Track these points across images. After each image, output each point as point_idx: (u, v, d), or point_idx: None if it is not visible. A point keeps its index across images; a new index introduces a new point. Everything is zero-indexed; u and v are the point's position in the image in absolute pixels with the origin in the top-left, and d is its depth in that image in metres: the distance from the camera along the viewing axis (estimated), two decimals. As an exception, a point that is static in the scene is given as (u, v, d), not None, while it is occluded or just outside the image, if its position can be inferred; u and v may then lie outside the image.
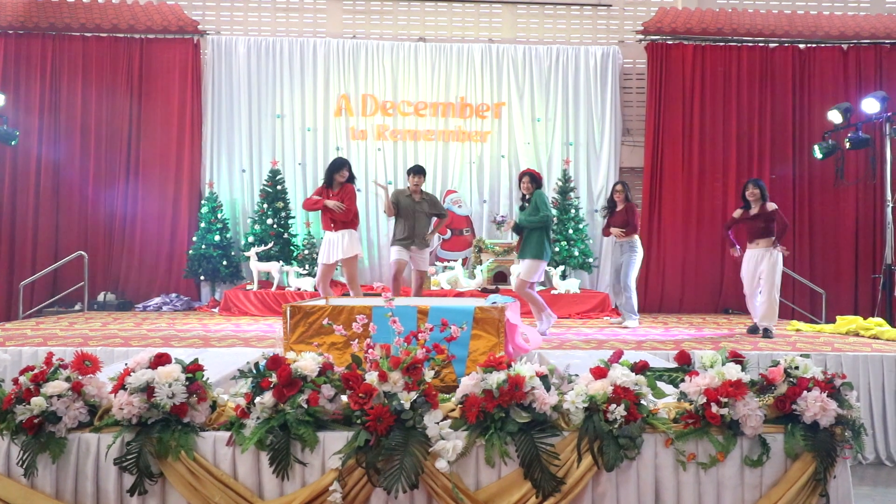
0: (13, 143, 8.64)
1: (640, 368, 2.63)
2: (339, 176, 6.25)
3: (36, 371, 2.52)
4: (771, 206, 6.31)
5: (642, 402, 2.52)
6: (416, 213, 6.73)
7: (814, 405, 2.48)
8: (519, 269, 6.43)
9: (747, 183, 6.51)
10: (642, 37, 9.70)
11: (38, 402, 2.42)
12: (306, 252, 9.15)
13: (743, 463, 2.49)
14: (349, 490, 2.38)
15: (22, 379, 2.50)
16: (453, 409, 2.55)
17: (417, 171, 6.80)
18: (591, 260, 9.41)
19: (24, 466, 2.41)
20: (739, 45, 9.71)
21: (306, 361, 2.54)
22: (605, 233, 7.48)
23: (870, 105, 8.27)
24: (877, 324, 6.34)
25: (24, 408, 2.42)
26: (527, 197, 6.32)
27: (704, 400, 2.49)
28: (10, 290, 8.95)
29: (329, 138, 9.70)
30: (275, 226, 9.08)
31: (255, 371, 2.56)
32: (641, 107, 9.98)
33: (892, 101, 8.64)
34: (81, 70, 9.32)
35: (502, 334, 4.07)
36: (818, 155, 8.90)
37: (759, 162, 9.65)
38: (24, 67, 9.27)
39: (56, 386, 2.46)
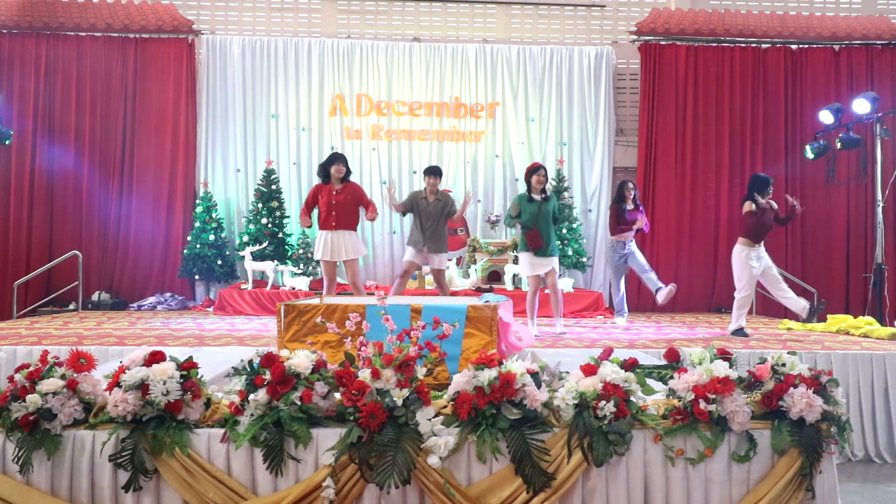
0: (7, 142, 8.61)
1: (629, 366, 2.67)
2: (335, 171, 6.10)
3: (31, 369, 2.54)
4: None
5: (631, 398, 2.56)
6: (430, 214, 6.57)
7: (800, 401, 2.52)
8: (552, 265, 6.35)
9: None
10: (636, 37, 9.74)
11: (33, 400, 2.44)
12: (301, 251, 9.16)
13: (730, 458, 2.53)
14: (342, 486, 2.41)
15: (17, 377, 2.52)
16: (445, 406, 2.58)
17: (432, 172, 6.63)
18: (584, 259, 9.44)
19: (19, 463, 2.43)
20: (732, 45, 9.77)
21: (300, 359, 2.57)
22: (627, 228, 7.25)
23: (861, 106, 8.32)
24: (867, 322, 6.40)
25: (20, 405, 2.44)
26: (547, 194, 6.32)
27: (693, 396, 2.53)
28: (4, 289, 8.93)
29: (324, 138, 9.72)
30: (269, 225, 9.09)
31: (249, 368, 2.58)
32: (635, 107, 10.02)
33: (883, 101, 8.71)
34: (76, 69, 9.31)
35: (495, 332, 4.11)
36: (810, 155, 8.96)
37: (752, 161, 9.71)
38: (18, 67, 9.26)
39: (51, 383, 2.48)
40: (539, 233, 6.20)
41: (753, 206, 6.14)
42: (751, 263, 6.09)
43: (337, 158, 6.19)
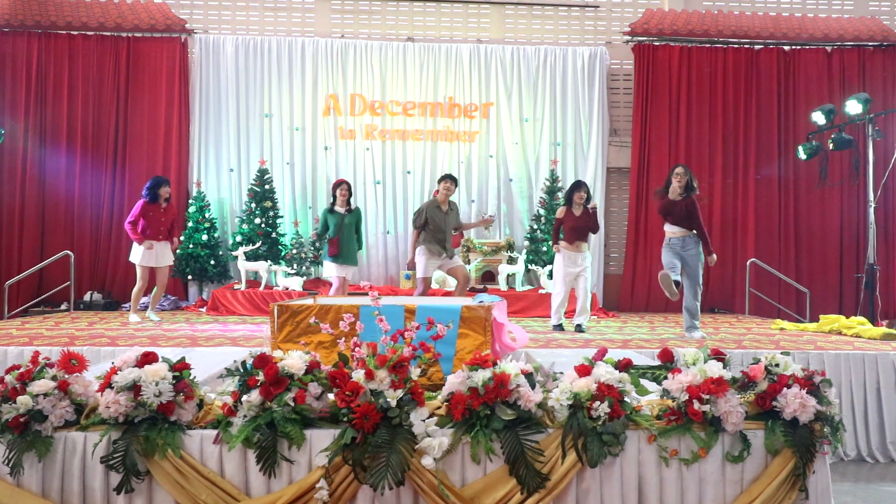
0: (-2, 141, 8.59)
1: (623, 366, 2.67)
2: (163, 192, 7.03)
3: (22, 370, 2.52)
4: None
5: (626, 399, 2.55)
6: (446, 224, 6.66)
7: (793, 402, 2.52)
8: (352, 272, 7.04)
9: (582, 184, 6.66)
10: (629, 38, 9.76)
11: (24, 401, 2.41)
12: (294, 252, 9.14)
13: (724, 459, 2.53)
14: (336, 487, 2.40)
15: (8, 378, 2.50)
16: (439, 407, 2.57)
17: (450, 179, 6.76)
18: (578, 259, 9.43)
19: (10, 465, 2.41)
20: (725, 46, 9.80)
21: (293, 360, 2.55)
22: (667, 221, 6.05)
23: (853, 107, 8.37)
24: (859, 322, 6.42)
25: (11, 406, 2.42)
26: (351, 207, 6.95)
27: (687, 397, 2.53)
28: (-5, 289, 8.89)
29: (317, 138, 9.70)
30: (263, 225, 9.07)
31: (242, 369, 2.56)
32: (628, 107, 10.04)
33: (875, 102, 8.76)
34: (68, 68, 9.27)
35: (489, 333, 4.10)
36: (802, 156, 9.01)
37: (745, 162, 9.75)
38: (10, 65, 9.21)
39: (42, 385, 2.46)
40: (339, 242, 6.79)
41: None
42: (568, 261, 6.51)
43: (166, 181, 7.18)
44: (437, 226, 6.59)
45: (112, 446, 2.42)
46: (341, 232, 6.80)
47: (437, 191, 6.78)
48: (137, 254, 7.04)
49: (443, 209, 6.67)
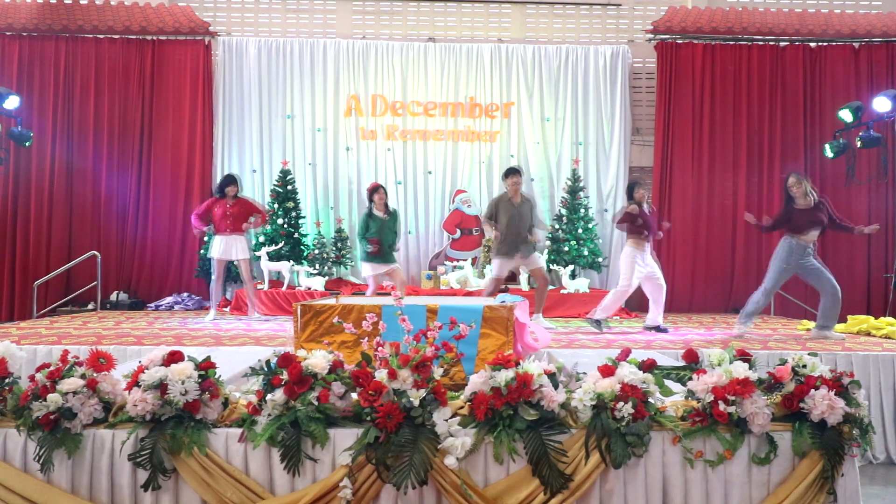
0: (27, 144, 8.74)
1: (647, 367, 2.65)
2: (230, 190, 7.32)
3: (52, 368, 2.57)
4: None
5: (650, 400, 2.54)
6: (520, 216, 6.61)
7: (821, 403, 2.48)
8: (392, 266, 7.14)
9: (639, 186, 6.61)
10: (652, 36, 9.68)
11: (54, 399, 2.46)
12: (316, 252, 9.20)
13: (750, 461, 2.50)
14: (359, 486, 2.41)
15: (38, 376, 2.55)
16: (462, 407, 2.57)
17: (515, 172, 6.72)
18: (600, 259, 9.40)
19: (40, 462, 2.46)
20: (749, 43, 9.67)
21: (317, 359, 2.57)
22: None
23: (881, 104, 8.22)
24: (888, 323, 6.31)
25: (41, 404, 2.47)
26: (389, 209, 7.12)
27: (712, 398, 2.50)
28: (24, 289, 9.05)
29: (339, 138, 9.75)
30: (285, 226, 9.13)
31: (266, 368, 2.59)
32: (651, 106, 9.96)
33: (904, 99, 8.58)
34: (94, 71, 9.42)
35: (511, 333, 4.10)
36: (829, 154, 8.86)
37: (770, 161, 9.61)
38: (38, 69, 9.37)
39: (72, 383, 2.50)
40: (381, 242, 6.93)
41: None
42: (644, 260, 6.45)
43: (233, 179, 7.47)
44: (508, 221, 6.57)
45: (139, 444, 2.46)
46: (382, 233, 6.95)
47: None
48: (212, 246, 7.41)
49: (514, 202, 6.63)
